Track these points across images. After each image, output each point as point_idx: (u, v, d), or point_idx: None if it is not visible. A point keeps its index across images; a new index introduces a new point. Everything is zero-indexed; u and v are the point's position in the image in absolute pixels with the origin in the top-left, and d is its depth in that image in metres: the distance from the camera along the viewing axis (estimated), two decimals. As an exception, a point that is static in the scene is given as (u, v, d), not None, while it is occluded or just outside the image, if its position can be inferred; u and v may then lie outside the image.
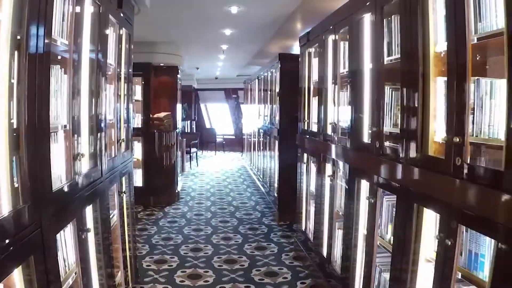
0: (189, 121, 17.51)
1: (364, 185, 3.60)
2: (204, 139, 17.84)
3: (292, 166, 7.09)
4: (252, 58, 11.11)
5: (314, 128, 5.17)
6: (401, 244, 2.79)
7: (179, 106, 9.73)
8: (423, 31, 2.62)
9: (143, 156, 8.56)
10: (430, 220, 2.61)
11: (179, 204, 8.71)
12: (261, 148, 10.24)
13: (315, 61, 5.22)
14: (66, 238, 2.30)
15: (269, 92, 8.88)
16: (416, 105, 2.63)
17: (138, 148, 8.57)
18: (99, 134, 2.84)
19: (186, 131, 17.00)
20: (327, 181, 4.61)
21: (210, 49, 9.70)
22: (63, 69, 2.33)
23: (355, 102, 3.73)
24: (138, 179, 8.65)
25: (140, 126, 8.52)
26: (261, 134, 10.12)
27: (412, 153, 2.67)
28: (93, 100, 2.75)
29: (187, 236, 6.59)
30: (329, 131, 4.51)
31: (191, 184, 10.97)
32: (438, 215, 2.46)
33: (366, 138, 3.58)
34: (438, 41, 2.54)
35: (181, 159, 11.10)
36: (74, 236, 2.33)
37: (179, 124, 9.84)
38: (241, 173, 12.92)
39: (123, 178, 3.75)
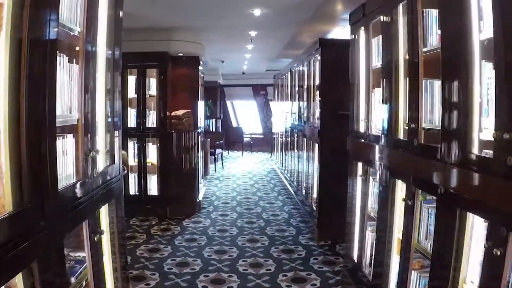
0: (214, 120, 16.33)
1: (478, 222, 2.31)
2: (230, 139, 16.65)
3: (336, 175, 5.95)
4: (283, 49, 9.84)
5: (375, 130, 3.88)
6: None
7: (201, 103, 8.54)
8: None
9: (158, 160, 7.39)
10: None
11: (200, 216, 7.51)
12: (294, 149, 8.99)
13: (375, 42, 3.92)
14: None
15: (304, 87, 7.59)
16: None
17: (153, 151, 7.42)
18: (41, 145, 1.62)
19: (211, 130, 15.83)
20: (398, 205, 3.33)
21: (237, 37, 8.44)
22: None
23: (453, 93, 2.43)
24: (153, 187, 7.51)
25: (155, 125, 7.35)
26: (294, 134, 8.86)
27: None
28: (24, 83, 1.53)
29: (207, 261, 5.37)
30: (402, 135, 3.23)
31: (215, 190, 9.77)
32: None
33: (476, 149, 2.28)
34: None
35: (203, 161, 9.91)
36: None
37: (201, 123, 8.64)
38: (270, 177, 11.67)
39: (103, 209, 2.52)
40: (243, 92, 17.84)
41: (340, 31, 7.56)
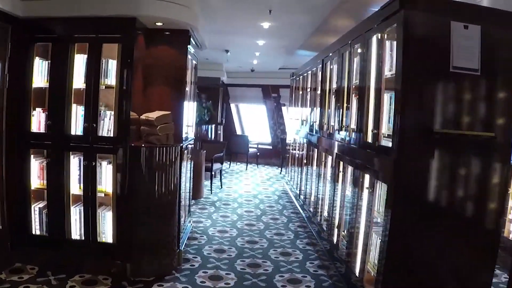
0: (214, 125, 13.54)
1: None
2: (233, 149, 13.90)
3: (426, 238, 3.35)
4: (310, 35, 7.11)
5: None
6: None
7: (189, 105, 5.84)
8: None
9: (116, 188, 4.67)
10: None
11: (178, 279, 4.79)
12: (320, 173, 6.31)
13: None
14: None
15: (350, 86, 4.88)
16: None
17: (108, 174, 4.72)
18: None
19: (209, 138, 13.07)
20: None
21: (249, 3, 5.67)
22: None
23: None
24: (106, 229, 4.82)
25: (112, 134, 4.65)
26: (322, 152, 6.20)
27: None
28: None
29: None
30: None
31: (207, 225, 7.04)
32: None
33: None
34: None
35: (193, 180, 7.25)
36: None
37: (189, 133, 5.92)
38: (283, 204, 8.90)
39: None
40: (250, 94, 15.01)
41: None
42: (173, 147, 4.88)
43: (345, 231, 4.90)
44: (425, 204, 3.39)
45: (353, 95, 4.83)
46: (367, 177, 4.21)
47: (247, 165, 13.99)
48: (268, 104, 14.91)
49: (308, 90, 7.90)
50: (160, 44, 5.17)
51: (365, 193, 4.25)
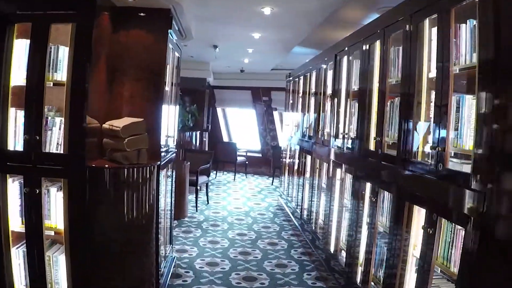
0: (198, 132, 12.23)
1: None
2: (219, 157, 12.63)
3: None
4: (318, 26, 5.88)
5: None
6: None
7: (170, 109, 4.60)
8: None
9: (69, 223, 3.41)
10: None
11: None
12: (334, 195, 5.18)
13: None
14: None
15: (385, 87, 3.72)
16: None
17: (57, 204, 3.46)
18: None
19: (193, 146, 11.78)
20: None
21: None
22: None
23: None
24: (60, 276, 3.56)
25: (63, 150, 3.39)
26: (335, 167, 5.05)
27: None
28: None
29: None
30: None
31: (192, 254, 5.78)
32: None
33: None
34: None
35: (175, 197, 6.04)
36: None
37: (170, 144, 4.66)
38: (280, 224, 7.67)
39: None
40: (239, 97, 13.66)
41: None
42: (147, 167, 3.62)
43: (377, 270, 3.73)
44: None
45: (387, 98, 3.67)
46: (417, 210, 3.05)
47: (235, 175, 12.74)
48: (258, 108, 13.64)
49: (312, 92, 6.71)
50: (132, 28, 3.92)
51: (415, 229, 3.10)
